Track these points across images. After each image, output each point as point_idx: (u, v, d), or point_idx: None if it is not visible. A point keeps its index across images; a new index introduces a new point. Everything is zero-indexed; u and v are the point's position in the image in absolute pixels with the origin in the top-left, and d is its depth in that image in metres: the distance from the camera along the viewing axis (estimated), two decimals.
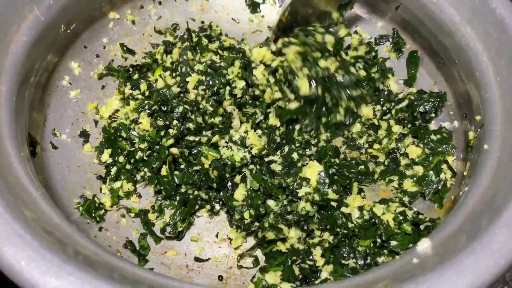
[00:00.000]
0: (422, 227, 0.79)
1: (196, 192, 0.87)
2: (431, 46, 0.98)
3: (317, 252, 0.78)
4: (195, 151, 0.90)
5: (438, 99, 0.95)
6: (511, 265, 0.57)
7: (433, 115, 0.96)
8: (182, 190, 0.88)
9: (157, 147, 0.88)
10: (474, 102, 0.85)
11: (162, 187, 0.87)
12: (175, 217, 0.84)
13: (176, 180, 0.87)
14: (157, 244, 0.84)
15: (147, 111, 0.91)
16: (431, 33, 0.96)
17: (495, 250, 0.57)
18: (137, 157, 0.88)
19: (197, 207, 0.88)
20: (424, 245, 0.64)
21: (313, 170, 0.83)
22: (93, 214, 0.84)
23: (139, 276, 0.60)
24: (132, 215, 0.87)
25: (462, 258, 0.57)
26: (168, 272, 0.81)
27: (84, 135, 0.94)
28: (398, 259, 0.65)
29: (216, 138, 0.90)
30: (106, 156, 0.89)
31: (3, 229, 0.55)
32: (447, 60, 0.95)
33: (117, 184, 0.87)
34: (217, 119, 0.92)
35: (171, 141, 0.88)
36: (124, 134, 0.91)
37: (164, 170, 0.87)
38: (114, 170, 0.89)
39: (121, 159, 0.89)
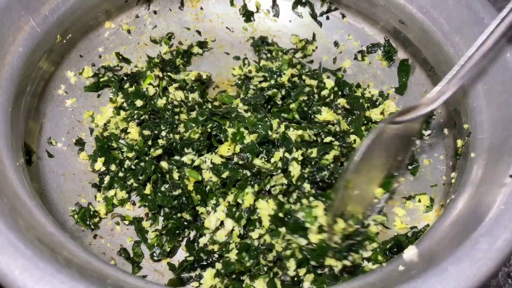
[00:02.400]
0: (409, 234, 0.81)
1: (179, 214, 0.84)
2: (422, 55, 1.00)
3: (290, 264, 0.76)
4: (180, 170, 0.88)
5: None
6: (494, 272, 0.58)
7: (423, 131, 0.96)
8: (167, 210, 0.85)
9: (146, 158, 0.89)
10: (462, 111, 0.87)
11: (146, 204, 0.87)
12: (162, 239, 0.83)
13: (158, 201, 0.85)
14: (151, 251, 0.85)
15: (136, 120, 0.92)
16: (421, 42, 0.98)
17: (478, 258, 0.58)
18: (125, 165, 0.89)
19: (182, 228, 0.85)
20: (410, 252, 0.66)
21: (264, 213, 0.80)
22: (88, 222, 0.85)
23: (132, 284, 0.61)
24: (127, 222, 0.88)
25: (446, 266, 0.58)
26: (162, 279, 0.82)
27: (80, 143, 0.95)
28: (384, 266, 0.66)
29: (198, 161, 0.87)
30: (99, 165, 0.90)
31: None
32: (437, 69, 0.96)
33: (111, 192, 0.88)
34: (196, 135, 0.89)
35: (159, 151, 0.88)
36: (114, 144, 0.92)
37: (147, 189, 0.86)
38: (107, 178, 0.90)
39: (113, 167, 0.90)
